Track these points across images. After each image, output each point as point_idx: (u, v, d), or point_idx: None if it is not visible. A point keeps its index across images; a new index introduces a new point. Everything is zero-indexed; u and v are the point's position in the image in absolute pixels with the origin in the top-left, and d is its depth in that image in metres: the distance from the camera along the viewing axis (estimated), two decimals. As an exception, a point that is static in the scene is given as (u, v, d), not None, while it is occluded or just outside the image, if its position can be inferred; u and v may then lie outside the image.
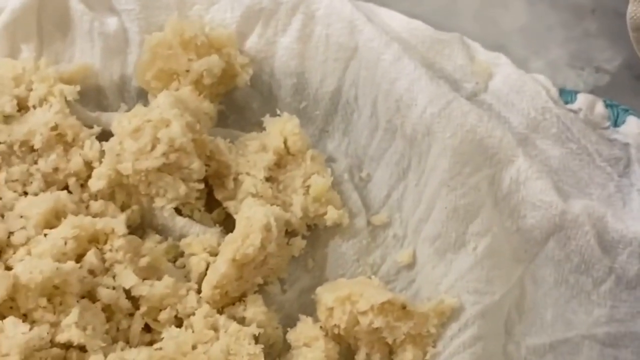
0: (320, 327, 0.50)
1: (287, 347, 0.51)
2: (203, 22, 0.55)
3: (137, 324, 0.48)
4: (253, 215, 0.50)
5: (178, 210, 0.53)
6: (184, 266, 0.52)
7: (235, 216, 0.52)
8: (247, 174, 0.53)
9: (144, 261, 0.50)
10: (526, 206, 0.53)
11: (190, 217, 0.53)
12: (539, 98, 0.56)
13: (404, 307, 0.49)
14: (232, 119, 0.57)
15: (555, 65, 0.61)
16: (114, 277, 0.48)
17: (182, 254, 0.53)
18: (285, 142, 0.54)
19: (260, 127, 0.56)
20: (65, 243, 0.47)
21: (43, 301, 0.45)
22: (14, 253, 0.47)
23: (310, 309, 0.52)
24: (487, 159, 0.53)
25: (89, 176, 0.52)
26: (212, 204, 0.55)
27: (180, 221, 0.53)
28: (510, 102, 0.56)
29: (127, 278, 0.48)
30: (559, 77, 0.60)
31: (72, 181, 0.52)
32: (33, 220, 0.48)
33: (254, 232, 0.49)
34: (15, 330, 0.43)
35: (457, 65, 0.56)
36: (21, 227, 0.48)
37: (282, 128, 0.54)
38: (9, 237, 0.47)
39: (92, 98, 0.57)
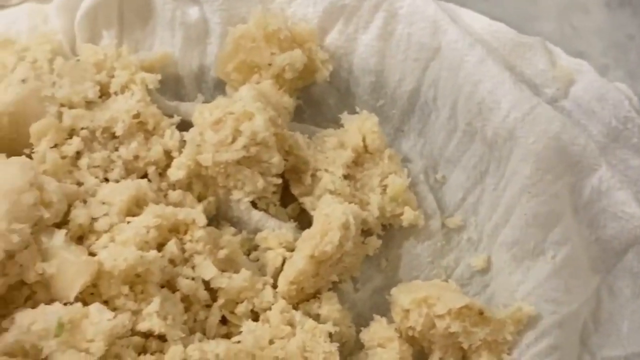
0: (395, 328, 0.50)
1: (358, 346, 0.51)
2: (285, 16, 0.55)
3: (214, 316, 0.48)
4: (332, 213, 0.49)
5: (254, 204, 0.53)
6: (258, 260, 0.52)
7: (311, 212, 0.52)
8: (326, 170, 0.52)
9: (222, 253, 0.50)
10: (606, 216, 0.52)
11: (266, 211, 0.53)
12: (621, 107, 0.55)
13: (481, 313, 0.49)
14: (308, 114, 0.57)
15: (635, 74, 0.60)
16: (193, 267, 0.48)
17: (255, 248, 0.53)
18: (363, 140, 0.53)
19: (335, 123, 0.56)
20: (148, 232, 0.47)
21: (125, 289, 0.45)
22: (97, 239, 0.47)
23: (382, 309, 0.52)
24: (570, 167, 0.52)
25: (168, 165, 0.52)
26: (287, 198, 0.54)
27: (256, 215, 0.53)
28: (590, 110, 0.55)
29: (207, 269, 0.48)
30: (639, 87, 0.59)
31: (151, 170, 0.52)
32: (116, 208, 0.48)
33: (332, 229, 0.49)
34: (100, 317, 0.43)
35: (538, 69, 0.56)
36: (104, 214, 0.48)
37: (360, 126, 0.53)
38: (91, 223, 0.47)
39: (170, 87, 0.57)
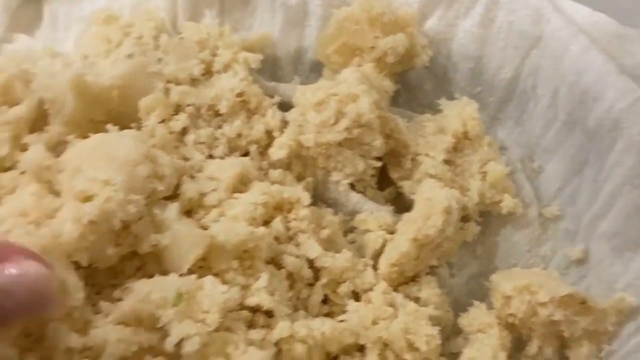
0: (494, 314, 0.50)
1: (455, 331, 0.51)
2: (388, 0, 0.55)
3: (317, 295, 0.49)
4: (434, 197, 0.49)
5: (351, 186, 0.53)
6: (354, 242, 0.52)
7: (410, 196, 0.52)
8: (426, 155, 0.52)
9: (324, 233, 0.50)
10: None
11: (363, 193, 0.53)
12: None
13: (583, 302, 0.48)
14: (403, 98, 0.57)
15: None
16: (297, 246, 0.49)
17: (351, 230, 0.53)
18: (463, 126, 0.53)
19: (430, 109, 0.56)
20: (255, 208, 0.47)
21: (235, 263, 0.46)
22: (206, 214, 0.47)
23: (478, 295, 0.52)
24: (675, 159, 0.51)
25: (268, 145, 0.53)
26: (383, 182, 0.55)
27: (354, 197, 0.53)
28: (692, 103, 0.54)
29: (312, 248, 0.48)
30: None
31: (253, 148, 0.52)
32: (223, 184, 0.48)
33: (435, 213, 0.49)
34: (214, 289, 0.43)
35: (639, 61, 0.55)
36: (212, 189, 0.48)
37: (460, 111, 0.53)
38: (200, 197, 0.48)
39: (268, 68, 0.57)
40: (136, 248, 0.45)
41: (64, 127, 0.50)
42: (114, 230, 0.43)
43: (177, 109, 0.51)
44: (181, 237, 0.45)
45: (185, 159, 0.50)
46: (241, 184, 0.49)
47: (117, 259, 0.45)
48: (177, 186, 0.48)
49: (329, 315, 0.49)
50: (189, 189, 0.47)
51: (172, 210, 0.46)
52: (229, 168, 0.49)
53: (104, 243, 0.43)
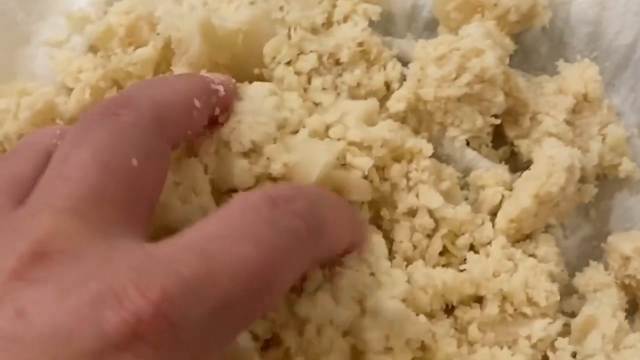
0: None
1: (567, 291, 0.51)
2: (511, -42, 0.55)
3: (436, 245, 0.49)
4: (557, 155, 0.49)
5: (466, 143, 0.53)
6: (467, 199, 0.52)
7: (526, 155, 0.52)
8: (547, 114, 0.52)
9: (444, 185, 0.50)
10: None
11: (478, 151, 0.53)
12: None
13: None
14: (516, 60, 0.57)
15: None
16: (417, 196, 0.49)
17: (464, 187, 0.53)
18: (584, 88, 0.53)
19: (543, 71, 0.56)
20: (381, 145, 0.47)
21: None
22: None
23: (590, 258, 0.52)
24: None
25: (386, 97, 0.53)
26: (497, 141, 0.54)
27: (470, 154, 0.53)
28: None
29: (434, 198, 0.48)
30: None
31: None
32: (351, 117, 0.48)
33: (557, 171, 0.48)
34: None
35: None
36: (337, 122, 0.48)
37: (581, 74, 0.53)
38: (325, 129, 0.48)
39: (381, 23, 0.57)
40: (269, 170, 0.45)
41: (188, 68, 0.50)
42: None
43: (300, 55, 0.52)
44: (310, 151, 0.45)
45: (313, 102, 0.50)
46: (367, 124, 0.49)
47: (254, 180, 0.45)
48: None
49: (446, 266, 0.49)
50: (315, 120, 0.47)
51: (302, 134, 0.46)
52: (357, 105, 0.49)
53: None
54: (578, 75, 0.53)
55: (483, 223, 0.50)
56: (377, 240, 0.45)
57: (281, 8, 0.53)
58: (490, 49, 0.50)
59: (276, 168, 0.44)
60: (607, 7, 0.55)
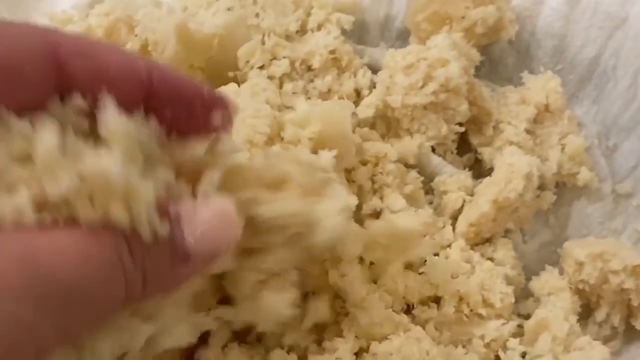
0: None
1: (524, 294, 0.53)
2: (480, -28, 0.57)
3: (398, 247, 0.50)
4: (516, 163, 0.51)
5: (432, 149, 0.55)
6: (431, 203, 0.54)
7: (491, 162, 0.54)
8: (509, 123, 0.54)
9: (407, 189, 0.52)
10: None
11: (443, 157, 0.55)
12: None
13: (655, 274, 0.50)
14: (484, 71, 0.59)
15: None
16: (381, 198, 0.51)
17: (429, 192, 0.55)
18: (545, 99, 0.55)
19: (511, 83, 0.58)
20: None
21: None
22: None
23: (548, 263, 0.54)
24: None
25: (356, 103, 0.55)
26: (462, 148, 0.56)
27: (435, 159, 0.55)
28: None
29: (396, 201, 0.50)
30: None
31: (341, 105, 0.54)
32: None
33: (516, 178, 0.50)
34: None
35: None
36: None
37: (543, 85, 0.55)
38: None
39: (355, 33, 0.59)
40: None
41: (165, 70, 0.52)
42: None
43: (273, 60, 0.53)
44: None
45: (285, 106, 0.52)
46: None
47: None
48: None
49: (407, 267, 0.51)
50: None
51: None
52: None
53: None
54: (541, 86, 0.55)
55: (445, 226, 0.52)
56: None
57: (257, 15, 0.55)
58: (455, 59, 0.52)
59: None
60: (573, 21, 0.57)
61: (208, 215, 0.30)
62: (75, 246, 0.26)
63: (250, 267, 0.36)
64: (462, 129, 0.54)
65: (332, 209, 0.36)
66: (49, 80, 0.29)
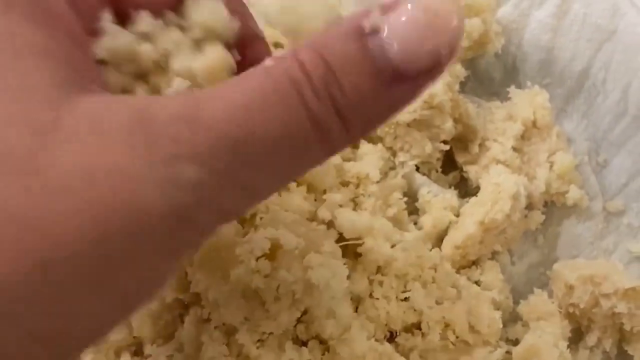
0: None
1: (512, 318, 0.51)
2: (465, -16, 0.55)
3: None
4: (503, 182, 0.49)
5: (416, 168, 0.53)
6: (415, 223, 0.53)
7: (474, 181, 0.52)
8: (495, 140, 0.52)
9: (390, 211, 0.50)
10: None
11: (428, 176, 0.53)
12: None
13: (647, 297, 0.48)
14: (470, 86, 0.57)
15: None
16: (362, 221, 0.49)
17: (413, 211, 0.53)
18: (533, 115, 0.53)
19: (497, 97, 0.56)
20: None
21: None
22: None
23: (536, 284, 0.52)
24: None
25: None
26: (447, 166, 0.55)
27: (420, 178, 0.53)
28: None
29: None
30: None
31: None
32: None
33: (503, 198, 0.49)
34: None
35: None
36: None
37: (531, 100, 0.53)
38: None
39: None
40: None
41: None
42: None
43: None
44: None
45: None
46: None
47: None
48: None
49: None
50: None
51: None
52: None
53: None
54: (528, 101, 0.53)
55: (431, 249, 0.50)
56: None
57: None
58: (439, 75, 0.50)
59: None
60: (560, 34, 0.55)
61: (410, 15, 0.23)
62: (235, 88, 0.23)
63: None
64: (447, 147, 0.53)
65: None
66: None
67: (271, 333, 0.41)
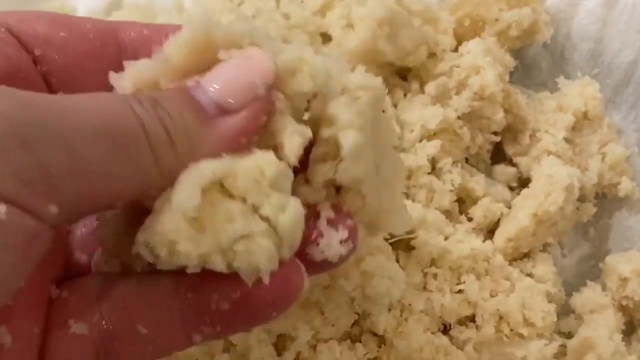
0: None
1: (564, 310, 0.50)
2: (514, -26, 0.54)
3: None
4: (556, 174, 0.49)
5: (465, 160, 0.53)
6: (466, 214, 0.52)
7: (528, 172, 0.52)
8: (546, 131, 0.52)
9: (442, 203, 0.49)
10: None
11: (477, 168, 0.53)
12: None
13: (702, 290, 0.48)
14: (517, 75, 0.57)
15: None
16: (414, 212, 0.48)
17: (464, 203, 0.53)
18: (584, 106, 0.52)
19: (545, 87, 0.56)
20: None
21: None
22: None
23: (587, 277, 0.51)
24: None
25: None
26: (496, 157, 0.54)
27: (469, 170, 0.52)
28: None
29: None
30: None
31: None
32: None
33: (556, 190, 0.48)
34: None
35: None
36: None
37: (581, 91, 0.53)
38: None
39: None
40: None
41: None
42: None
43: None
44: None
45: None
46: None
47: None
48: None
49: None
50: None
51: None
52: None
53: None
54: (578, 92, 0.53)
55: (484, 242, 0.49)
56: None
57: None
58: (490, 66, 0.50)
59: None
60: (609, 24, 0.55)
61: (227, 64, 0.28)
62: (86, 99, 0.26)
63: None
64: (498, 139, 0.52)
65: None
66: None
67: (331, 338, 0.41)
